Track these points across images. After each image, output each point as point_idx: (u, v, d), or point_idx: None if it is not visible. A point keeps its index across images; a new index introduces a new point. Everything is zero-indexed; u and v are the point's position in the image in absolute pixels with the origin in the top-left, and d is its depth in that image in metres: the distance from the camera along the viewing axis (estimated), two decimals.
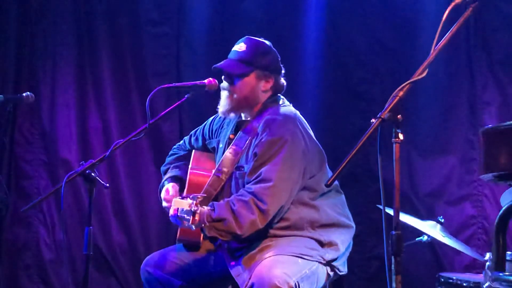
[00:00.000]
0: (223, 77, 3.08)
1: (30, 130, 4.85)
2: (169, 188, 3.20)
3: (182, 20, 5.03)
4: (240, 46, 3.08)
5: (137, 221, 4.90)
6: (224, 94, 3.08)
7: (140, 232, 4.89)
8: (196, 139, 3.40)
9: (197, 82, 3.09)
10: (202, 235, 3.00)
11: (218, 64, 3.07)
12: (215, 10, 4.99)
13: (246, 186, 2.91)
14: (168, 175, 3.30)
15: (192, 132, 3.45)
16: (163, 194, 3.19)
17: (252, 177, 2.90)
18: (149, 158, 4.93)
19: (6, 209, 3.92)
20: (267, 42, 3.14)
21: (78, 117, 4.91)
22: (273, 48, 3.14)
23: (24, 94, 3.78)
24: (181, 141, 3.50)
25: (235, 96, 3.05)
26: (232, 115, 3.13)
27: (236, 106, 3.07)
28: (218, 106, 3.12)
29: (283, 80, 3.15)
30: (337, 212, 3.05)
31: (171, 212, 2.80)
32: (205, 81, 3.09)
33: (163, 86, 3.06)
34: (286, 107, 3.12)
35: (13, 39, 4.85)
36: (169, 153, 3.47)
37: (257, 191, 2.82)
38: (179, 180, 3.27)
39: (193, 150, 3.34)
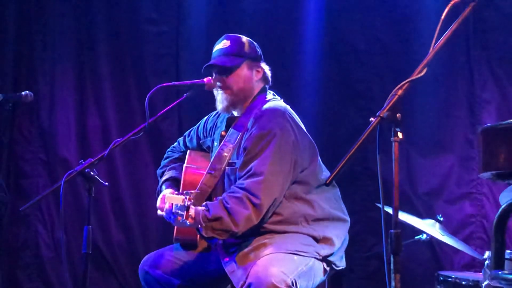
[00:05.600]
0: (214, 75, 3.09)
1: (29, 129, 4.85)
2: (165, 194, 3.18)
3: (181, 19, 5.03)
4: (223, 43, 3.12)
5: (136, 220, 4.90)
6: (220, 92, 3.08)
7: (139, 231, 4.89)
8: (191, 139, 3.41)
9: (196, 81, 3.09)
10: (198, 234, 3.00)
11: (209, 62, 3.08)
12: (214, 9, 4.99)
13: (237, 182, 2.91)
14: (165, 177, 3.30)
15: (186, 133, 3.46)
16: (158, 203, 3.18)
17: (243, 172, 2.91)
18: (148, 157, 4.93)
19: (5, 208, 3.92)
20: (247, 38, 3.18)
21: (77, 116, 4.91)
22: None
23: (23, 93, 3.77)
24: (175, 143, 3.51)
25: (231, 90, 3.06)
26: (232, 110, 3.14)
27: (234, 100, 3.08)
28: (216, 105, 3.13)
29: (268, 71, 3.18)
30: (331, 206, 3.05)
31: (166, 206, 2.81)
32: (204, 80, 3.09)
33: (162, 85, 3.06)
34: (276, 101, 3.12)
35: (12, 37, 4.85)
36: (164, 156, 3.47)
37: (249, 186, 2.83)
38: (176, 182, 3.26)
39: (188, 150, 3.35)
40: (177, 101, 3.09)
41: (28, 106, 4.68)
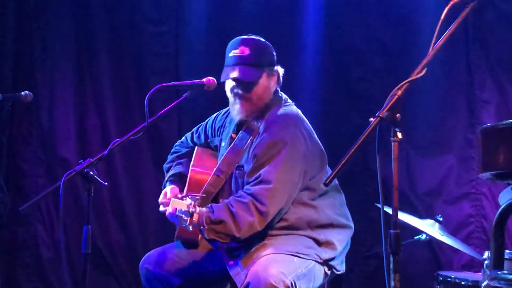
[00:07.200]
0: (234, 84, 3.01)
1: (28, 129, 4.85)
2: (167, 191, 3.18)
3: (181, 19, 5.03)
4: (242, 50, 3.02)
5: (136, 220, 4.90)
6: (238, 102, 3.02)
7: (138, 230, 4.89)
8: (198, 136, 3.39)
9: (196, 81, 3.08)
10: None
11: (235, 76, 2.98)
12: (213, 9, 4.99)
13: (245, 187, 2.90)
14: (171, 172, 3.30)
15: (194, 129, 3.44)
16: (160, 198, 3.18)
17: (252, 178, 2.89)
18: (147, 157, 4.93)
19: (4, 208, 3.91)
20: (260, 38, 3.11)
21: (77, 116, 4.91)
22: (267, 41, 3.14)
23: (22, 93, 3.77)
24: (183, 138, 3.49)
25: (252, 101, 3.02)
26: (250, 118, 3.08)
27: (253, 109, 3.04)
28: (232, 113, 3.08)
29: (281, 70, 3.14)
30: (335, 213, 3.05)
31: (169, 210, 2.80)
32: (204, 80, 3.07)
33: (161, 85, 3.04)
34: (289, 106, 3.10)
35: (11, 37, 4.85)
36: (171, 151, 3.47)
37: (257, 193, 2.82)
38: (182, 178, 3.26)
39: (196, 147, 3.34)
40: (177, 101, 3.07)
41: (27, 106, 4.68)
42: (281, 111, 3.04)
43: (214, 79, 3.08)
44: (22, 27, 4.87)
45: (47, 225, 4.83)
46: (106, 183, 2.83)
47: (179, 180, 3.26)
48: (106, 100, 4.93)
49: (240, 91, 3.02)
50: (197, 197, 2.71)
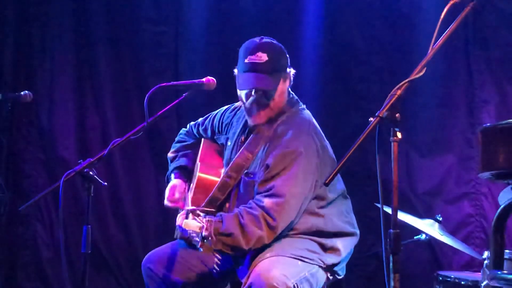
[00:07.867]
0: (252, 91, 2.96)
1: (28, 129, 4.85)
2: (176, 186, 3.18)
3: (180, 18, 5.03)
4: (259, 56, 2.95)
5: (135, 220, 4.90)
6: (257, 109, 2.98)
7: (138, 230, 4.89)
8: (205, 130, 3.37)
9: (196, 80, 3.07)
10: None
11: (255, 85, 2.94)
12: (213, 9, 4.99)
13: (257, 197, 2.86)
14: (175, 164, 3.29)
15: (200, 120, 3.42)
16: (167, 193, 3.17)
17: (263, 189, 2.85)
18: (147, 157, 4.93)
19: (4, 207, 3.92)
20: (273, 40, 3.08)
21: (77, 116, 4.91)
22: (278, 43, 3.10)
23: (22, 93, 3.78)
24: (188, 127, 3.48)
25: (270, 108, 2.99)
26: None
27: (271, 114, 3.01)
28: (249, 118, 3.04)
29: (293, 71, 3.11)
30: (342, 221, 3.03)
31: (178, 222, 2.78)
32: (203, 79, 3.07)
33: (161, 84, 3.03)
34: (302, 112, 3.07)
35: (11, 37, 4.85)
36: (176, 139, 3.46)
37: (268, 206, 2.78)
38: (186, 171, 3.25)
39: (203, 139, 3.33)
40: (176, 101, 3.07)
41: (27, 106, 4.68)
42: (294, 117, 3.02)
43: (214, 79, 3.07)
44: (22, 27, 4.87)
45: (47, 225, 4.83)
46: (105, 183, 2.83)
47: (183, 174, 3.25)
48: (106, 100, 4.93)
49: (258, 99, 2.97)
50: (210, 220, 2.70)
